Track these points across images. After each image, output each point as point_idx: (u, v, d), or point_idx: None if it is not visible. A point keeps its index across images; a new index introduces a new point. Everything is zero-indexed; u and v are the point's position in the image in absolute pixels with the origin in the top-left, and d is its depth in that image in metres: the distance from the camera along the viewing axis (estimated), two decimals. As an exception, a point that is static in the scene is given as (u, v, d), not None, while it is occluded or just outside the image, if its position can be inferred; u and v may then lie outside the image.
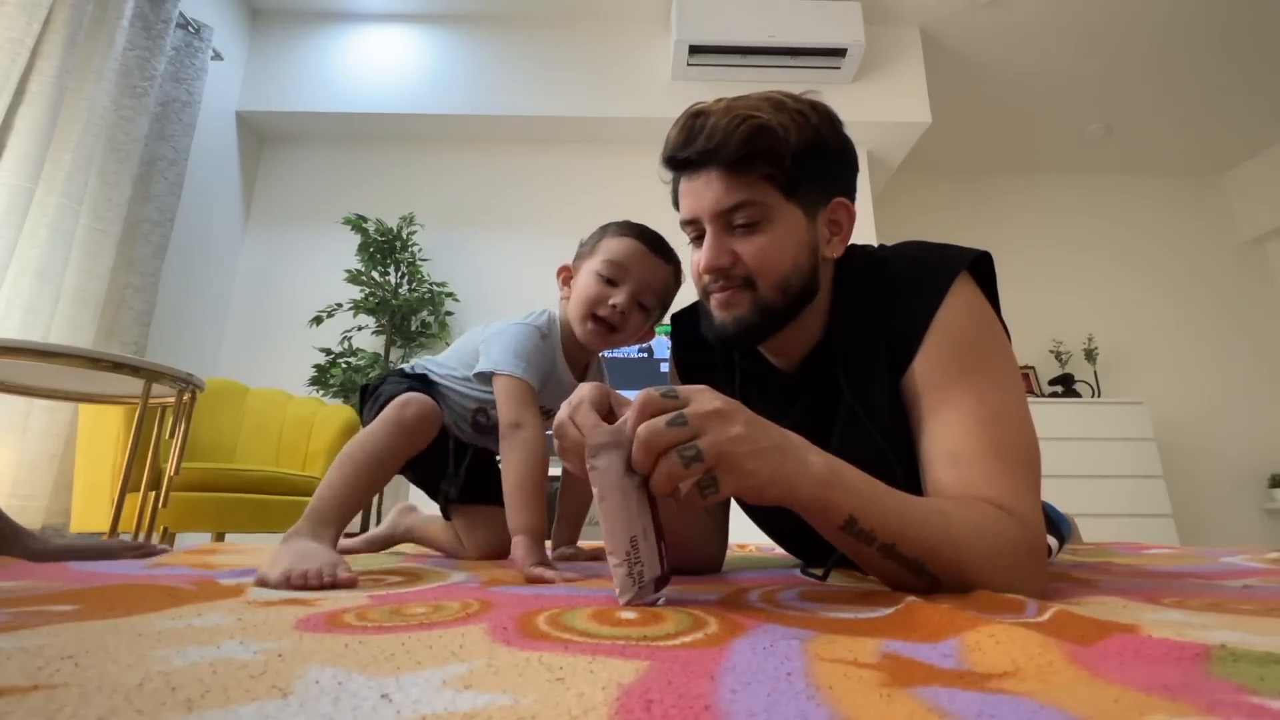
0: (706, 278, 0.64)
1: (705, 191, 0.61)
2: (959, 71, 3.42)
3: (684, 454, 0.42)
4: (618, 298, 0.88)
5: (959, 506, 0.50)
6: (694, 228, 0.64)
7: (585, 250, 0.94)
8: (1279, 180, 3.89)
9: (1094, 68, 3.39)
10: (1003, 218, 4.17)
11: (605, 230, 0.93)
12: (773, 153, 0.58)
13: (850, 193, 0.66)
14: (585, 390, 0.49)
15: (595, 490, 0.44)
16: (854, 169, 0.66)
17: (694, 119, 0.61)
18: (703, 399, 0.44)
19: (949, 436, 0.55)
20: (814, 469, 0.46)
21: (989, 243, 0.63)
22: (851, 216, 0.65)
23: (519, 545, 0.76)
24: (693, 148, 0.60)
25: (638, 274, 0.89)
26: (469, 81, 3.27)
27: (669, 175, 0.67)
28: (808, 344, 0.67)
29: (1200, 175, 4.22)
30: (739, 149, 0.58)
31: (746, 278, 0.61)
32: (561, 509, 1.12)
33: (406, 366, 1.08)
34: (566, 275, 0.96)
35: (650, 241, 0.90)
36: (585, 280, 0.91)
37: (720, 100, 0.61)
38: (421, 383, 1.00)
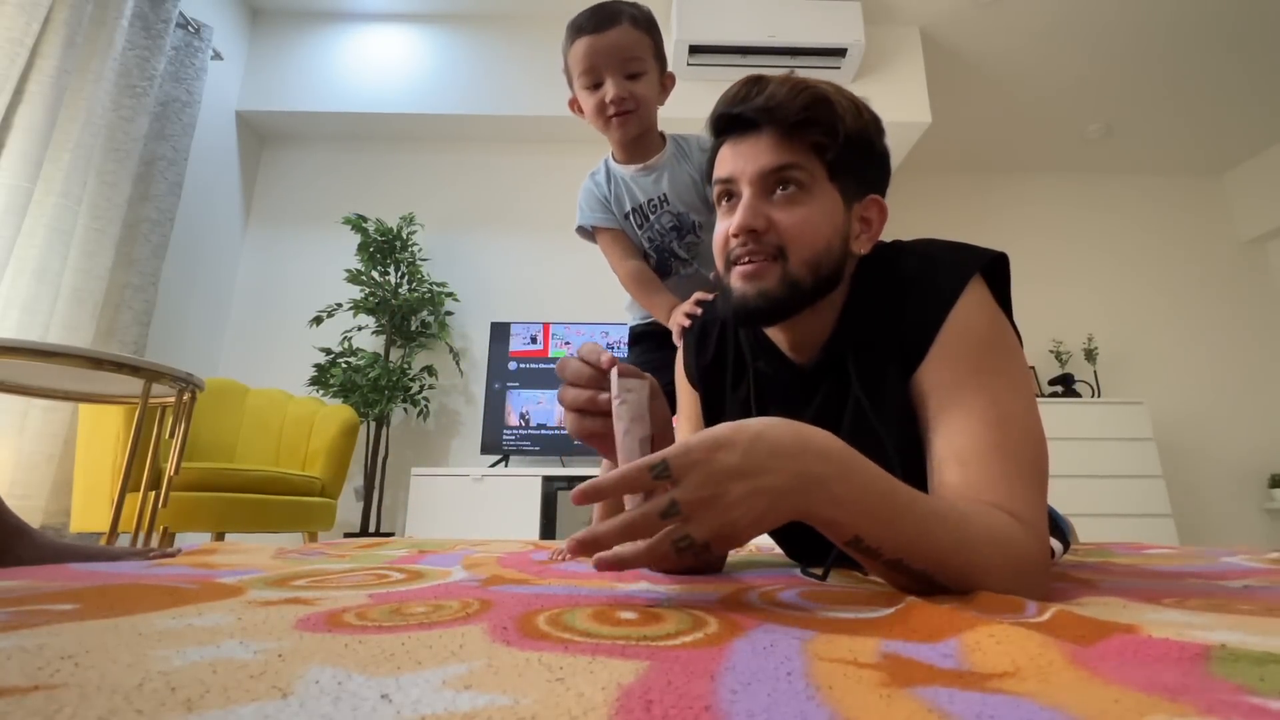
0: (734, 242, 0.62)
1: (751, 153, 0.61)
2: (959, 71, 3.42)
3: (677, 543, 0.42)
4: (609, 91, 0.98)
5: (978, 517, 0.49)
6: (728, 190, 0.63)
7: (567, 76, 1.04)
8: (1279, 180, 3.89)
9: (1094, 68, 3.39)
10: (1003, 217, 4.17)
11: (563, 50, 1.03)
12: (829, 124, 0.59)
13: (883, 195, 0.66)
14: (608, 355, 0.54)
15: (620, 414, 0.49)
16: (888, 179, 0.67)
17: (753, 82, 0.61)
18: (696, 479, 0.41)
19: (957, 437, 0.55)
20: (829, 498, 0.44)
21: (989, 242, 0.63)
22: (883, 214, 0.65)
23: (676, 312, 0.97)
24: (750, 104, 0.60)
25: (605, 60, 0.98)
26: (469, 81, 3.27)
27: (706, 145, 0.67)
28: (822, 336, 0.66)
29: (1200, 175, 4.22)
30: (798, 113, 0.58)
31: (779, 248, 0.60)
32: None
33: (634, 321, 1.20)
34: (575, 105, 1.06)
35: (589, 28, 0.98)
36: (582, 100, 1.03)
37: (777, 74, 0.62)
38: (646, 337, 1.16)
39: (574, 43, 0.99)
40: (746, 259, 0.61)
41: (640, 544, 0.43)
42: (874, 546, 0.46)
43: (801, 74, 0.63)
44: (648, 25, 1.02)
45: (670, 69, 1.07)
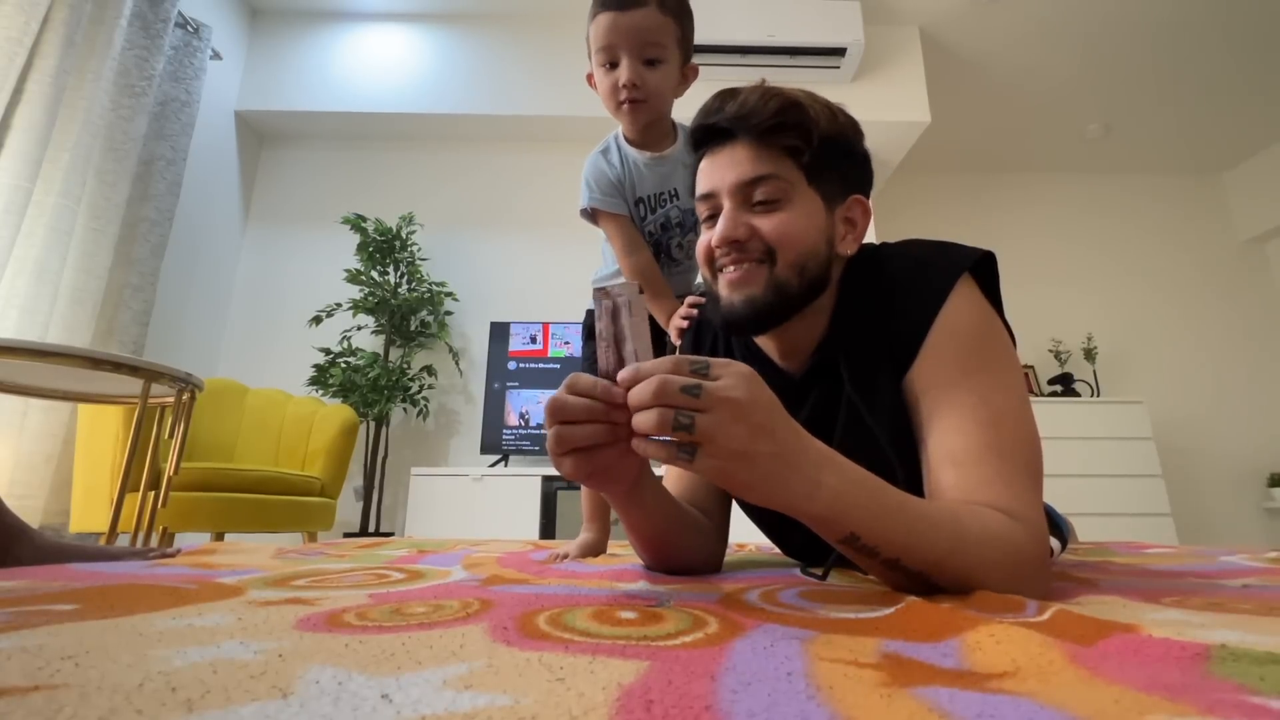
0: (718, 252, 0.62)
1: (728, 164, 0.61)
2: (959, 71, 3.42)
3: (681, 420, 0.41)
4: (623, 74, 0.94)
5: (971, 518, 0.49)
6: (709, 204, 0.63)
7: (587, 48, 0.99)
8: (1279, 180, 3.90)
9: (1094, 68, 3.39)
10: (1002, 217, 4.17)
11: (588, 20, 0.98)
12: (802, 128, 0.59)
13: (866, 196, 0.67)
14: None
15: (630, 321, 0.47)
16: (871, 180, 0.67)
17: (727, 93, 0.62)
18: (729, 383, 0.42)
19: (950, 437, 0.55)
20: (822, 494, 0.44)
21: (988, 242, 0.64)
22: (867, 215, 0.65)
23: (675, 316, 0.92)
24: (723, 114, 0.61)
25: (624, 42, 0.93)
26: (469, 81, 3.27)
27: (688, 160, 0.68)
28: (812, 342, 0.66)
29: (1200, 175, 4.23)
30: (770, 119, 0.59)
31: (767, 250, 0.60)
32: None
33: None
34: (592, 79, 1.02)
35: (614, 3, 0.93)
36: (597, 78, 0.99)
37: (749, 84, 0.62)
38: None
39: (596, 15, 0.95)
40: (732, 266, 0.62)
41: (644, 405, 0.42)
42: (871, 545, 0.46)
43: (801, 74, 0.63)
44: (677, 11, 0.97)
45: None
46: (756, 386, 0.43)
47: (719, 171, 0.62)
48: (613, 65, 0.95)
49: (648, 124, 1.01)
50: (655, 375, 0.42)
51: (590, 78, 1.03)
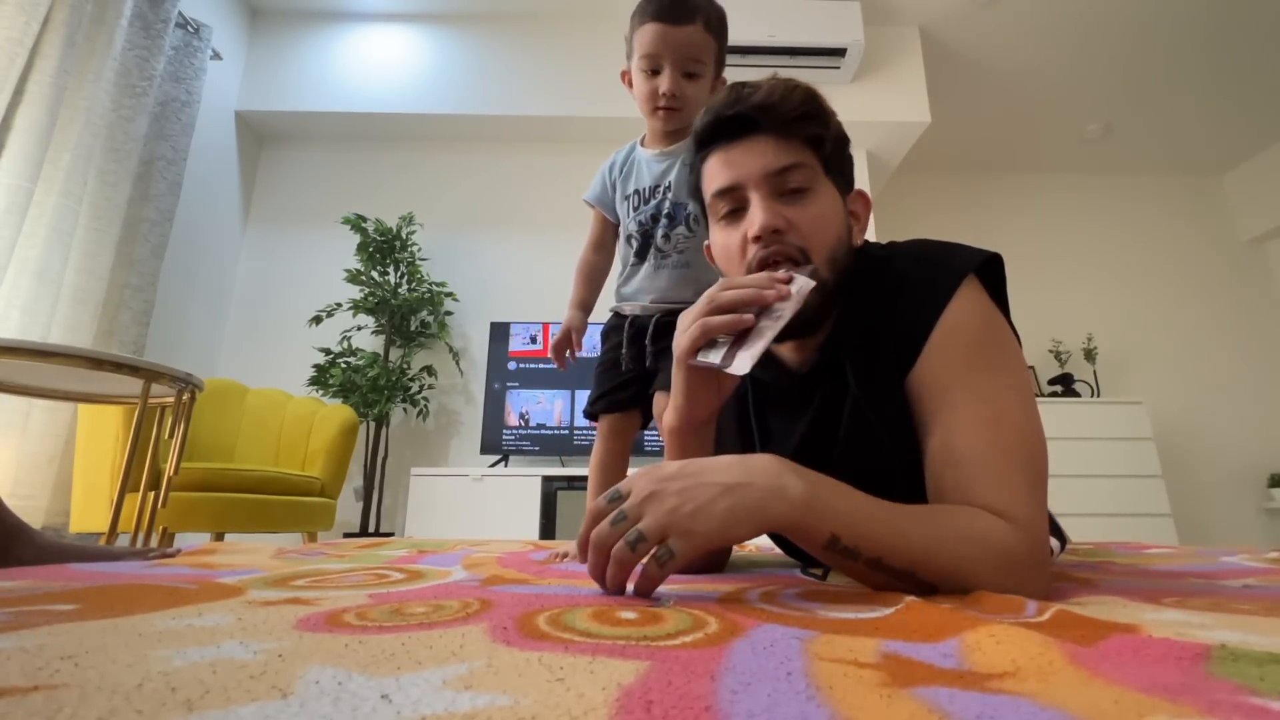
0: (754, 246, 0.60)
1: (751, 155, 0.60)
2: (959, 71, 3.43)
3: (628, 540, 0.45)
4: (664, 84, 0.99)
5: (950, 515, 0.50)
6: (732, 198, 0.62)
7: (628, 47, 1.04)
8: (1279, 180, 3.89)
9: (1094, 68, 3.39)
10: (1002, 218, 4.17)
11: (632, 20, 1.02)
12: (823, 119, 0.60)
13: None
14: None
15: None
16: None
17: (741, 86, 0.62)
18: (640, 484, 0.48)
19: (951, 436, 0.55)
20: (790, 495, 0.47)
21: (989, 242, 0.64)
22: (868, 206, 0.67)
23: (559, 341, 1.11)
24: (747, 104, 0.60)
25: (670, 53, 0.98)
26: (469, 81, 3.27)
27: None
28: (820, 339, 0.66)
29: (1200, 175, 4.23)
30: (796, 108, 0.59)
31: (800, 249, 0.60)
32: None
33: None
34: (627, 77, 1.07)
35: (665, 17, 0.97)
36: (635, 80, 1.04)
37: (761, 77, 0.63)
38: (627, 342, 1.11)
39: (644, 24, 0.99)
40: (772, 265, 0.60)
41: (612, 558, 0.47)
42: (851, 546, 0.47)
43: (801, 74, 0.64)
44: (718, 29, 1.03)
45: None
46: (660, 468, 0.49)
47: (742, 163, 0.60)
48: (654, 72, 1.01)
49: (675, 130, 1.07)
50: (590, 544, 0.48)
51: (625, 75, 1.08)
